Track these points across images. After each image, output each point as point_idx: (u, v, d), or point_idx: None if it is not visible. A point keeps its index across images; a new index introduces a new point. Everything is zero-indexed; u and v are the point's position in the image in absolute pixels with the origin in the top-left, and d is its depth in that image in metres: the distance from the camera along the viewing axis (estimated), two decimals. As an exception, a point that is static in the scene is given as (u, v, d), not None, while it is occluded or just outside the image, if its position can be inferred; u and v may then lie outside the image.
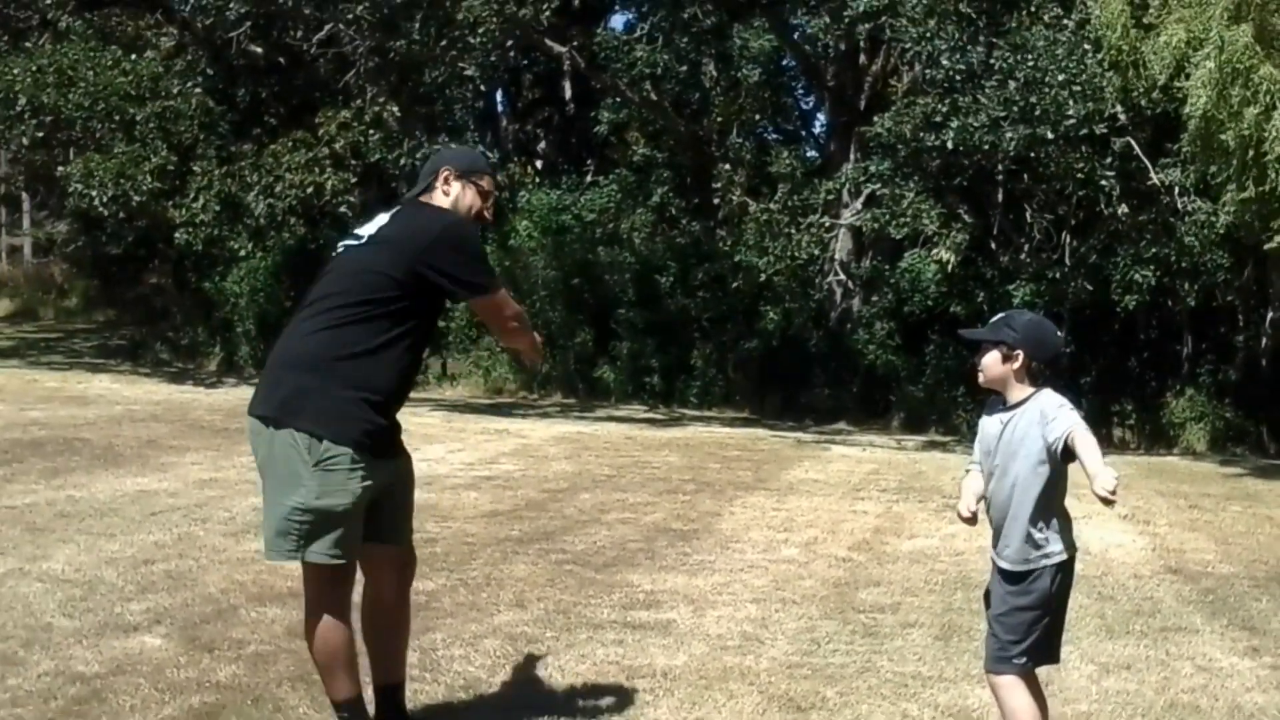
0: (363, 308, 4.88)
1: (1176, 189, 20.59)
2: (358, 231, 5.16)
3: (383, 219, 5.13)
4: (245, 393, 20.45)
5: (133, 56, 23.96)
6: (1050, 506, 4.74)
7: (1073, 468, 4.73)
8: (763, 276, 23.63)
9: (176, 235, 23.69)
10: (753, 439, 18.93)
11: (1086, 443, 4.55)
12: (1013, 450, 4.74)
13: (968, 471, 5.02)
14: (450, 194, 5.16)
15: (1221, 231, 19.70)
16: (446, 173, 5.19)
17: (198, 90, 24.40)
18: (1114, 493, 4.34)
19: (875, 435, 21.41)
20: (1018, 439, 4.73)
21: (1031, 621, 4.74)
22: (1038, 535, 4.72)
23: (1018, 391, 4.78)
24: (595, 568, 8.81)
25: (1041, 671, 5.02)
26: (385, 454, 4.96)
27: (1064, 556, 4.75)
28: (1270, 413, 23.02)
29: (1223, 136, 15.52)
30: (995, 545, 4.84)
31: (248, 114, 26.16)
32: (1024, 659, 4.76)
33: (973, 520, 4.87)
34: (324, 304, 4.95)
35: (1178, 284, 22.11)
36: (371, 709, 5.17)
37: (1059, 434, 4.59)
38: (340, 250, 5.14)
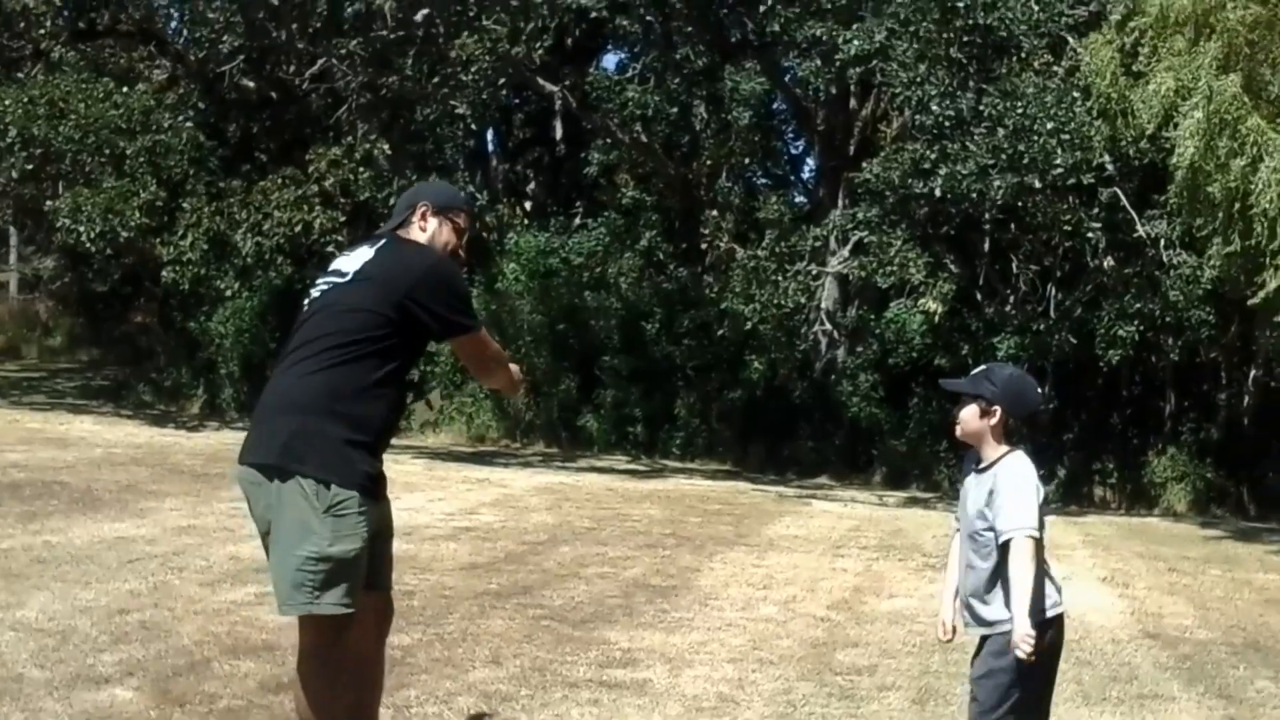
0: (354, 347, 4.83)
1: (1162, 241, 20.66)
2: (339, 268, 5.08)
3: (365, 254, 5.05)
4: (226, 436, 20.54)
5: (124, 89, 23.86)
6: (1002, 575, 4.69)
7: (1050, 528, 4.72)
8: (749, 324, 23.63)
9: (164, 273, 23.58)
10: (734, 492, 18.90)
11: (1016, 567, 4.53)
12: (972, 517, 4.74)
13: (952, 538, 5.00)
14: (427, 230, 5.13)
15: (1207, 286, 19.75)
16: (424, 208, 5.16)
17: (189, 124, 24.31)
18: (1026, 651, 4.39)
19: (857, 490, 21.41)
20: (976, 507, 4.73)
21: (1007, 686, 4.69)
22: (1000, 604, 4.69)
23: (992, 450, 4.76)
24: (573, 624, 8.77)
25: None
26: (380, 497, 4.94)
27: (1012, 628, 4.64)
28: (1252, 473, 23.04)
29: (1210, 188, 15.56)
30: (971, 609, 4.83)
31: (238, 149, 26.14)
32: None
33: (950, 638, 4.85)
34: (315, 345, 4.88)
35: (1162, 339, 22.18)
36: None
37: (1000, 531, 4.60)
38: (323, 288, 5.06)
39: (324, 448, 4.76)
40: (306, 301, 5.12)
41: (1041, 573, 4.72)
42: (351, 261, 5.05)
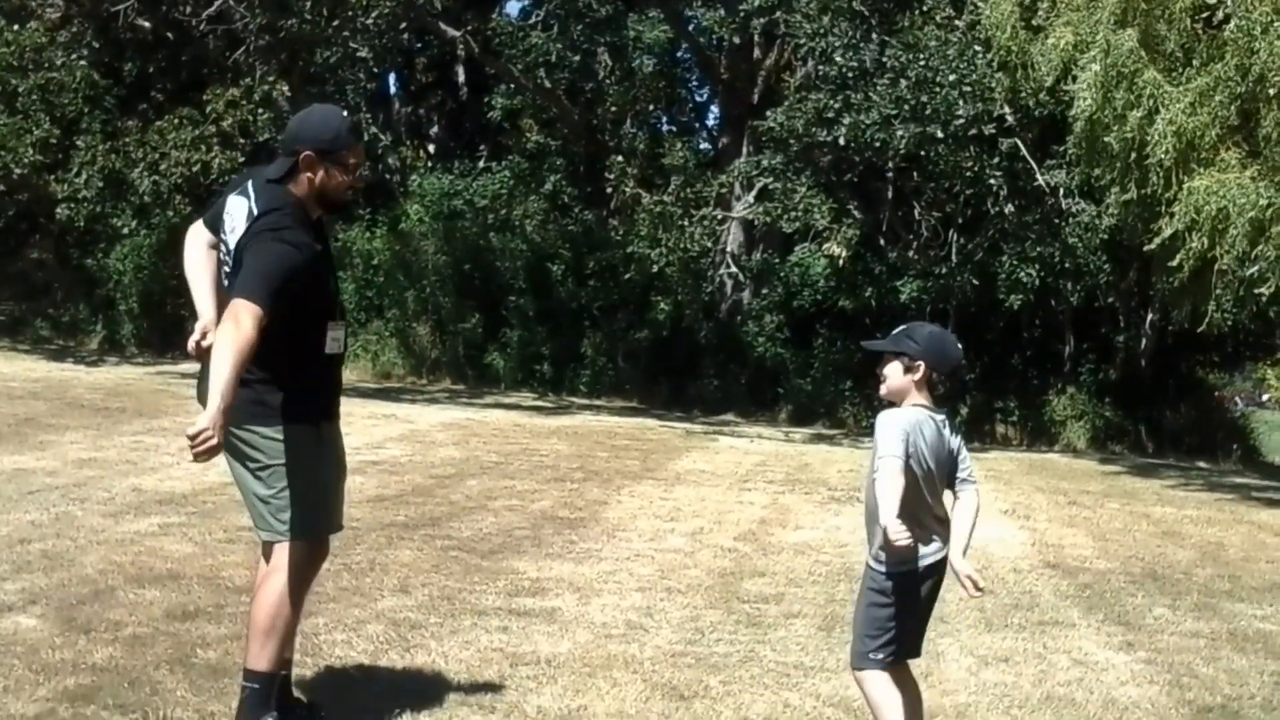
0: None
1: (1061, 190, 20.96)
2: (227, 240, 4.93)
3: (239, 225, 4.89)
4: (127, 371, 20.31)
5: (15, 26, 23.39)
6: (870, 507, 4.81)
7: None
8: (655, 268, 23.67)
9: (58, 210, 23.21)
10: (641, 429, 18.96)
11: (881, 488, 4.62)
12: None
13: None
14: (316, 179, 4.94)
15: (1104, 234, 20.06)
16: (307, 156, 4.91)
17: (83, 63, 23.89)
18: (899, 542, 4.47)
19: (763, 427, 21.55)
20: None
21: (877, 618, 4.79)
22: (879, 540, 4.77)
23: (912, 402, 4.83)
24: (481, 554, 8.77)
25: (920, 663, 5.07)
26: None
27: (898, 569, 4.77)
28: (1149, 412, 23.53)
29: (1107, 139, 15.77)
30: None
31: (134, 89, 25.71)
32: (880, 655, 4.80)
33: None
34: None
35: (1061, 284, 22.51)
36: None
37: (871, 463, 4.74)
38: (224, 256, 4.97)
39: (253, 396, 4.85)
40: (223, 251, 4.98)
41: (920, 520, 4.77)
42: (235, 233, 4.90)
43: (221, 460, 4.79)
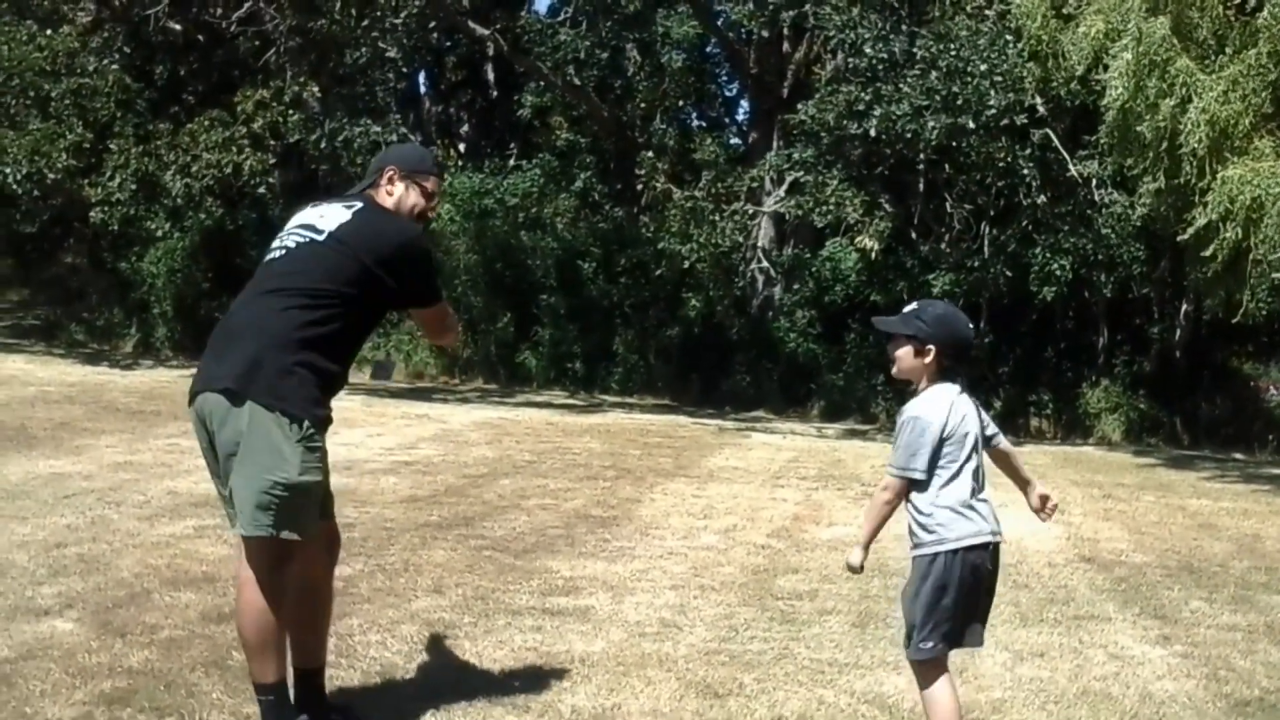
0: (324, 299, 4.87)
1: (1094, 181, 20.87)
2: (312, 223, 5.06)
3: (340, 215, 5.04)
4: (161, 375, 20.38)
5: (48, 31, 23.56)
6: (914, 500, 4.78)
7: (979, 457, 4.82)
8: (686, 263, 23.68)
9: (92, 214, 23.36)
10: (673, 426, 18.95)
11: (873, 502, 4.81)
12: None
13: None
14: (394, 194, 5.19)
15: (1137, 223, 19.96)
16: (391, 172, 5.21)
17: (115, 67, 24.06)
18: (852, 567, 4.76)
19: (795, 423, 21.51)
20: None
21: (920, 607, 4.76)
22: (913, 525, 4.78)
23: (924, 386, 4.81)
24: (514, 554, 8.77)
25: (956, 658, 5.04)
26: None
27: (939, 549, 4.74)
28: (1184, 404, 23.39)
29: (1139, 128, 15.69)
30: None
31: (165, 92, 25.85)
32: (928, 643, 4.77)
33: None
34: (289, 288, 4.91)
35: (1094, 275, 22.42)
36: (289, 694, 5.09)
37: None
38: (298, 239, 5.04)
39: (294, 381, 4.80)
40: (277, 245, 5.10)
41: (951, 504, 4.75)
42: (326, 220, 5.04)
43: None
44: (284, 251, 5.03)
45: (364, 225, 5.01)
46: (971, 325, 5.06)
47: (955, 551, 4.73)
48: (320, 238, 4.99)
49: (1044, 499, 4.95)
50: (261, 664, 4.90)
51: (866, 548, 4.81)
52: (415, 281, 5.10)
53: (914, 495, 4.77)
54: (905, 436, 4.74)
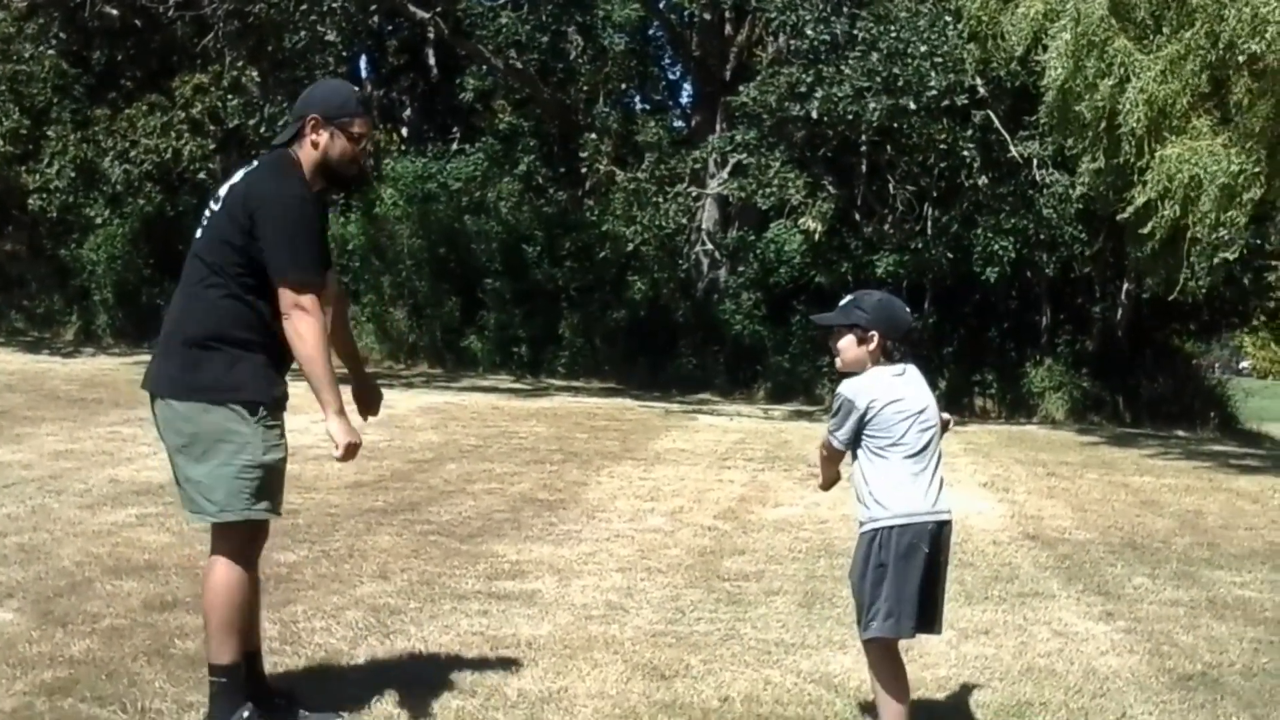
0: (220, 269, 4.77)
1: (1035, 161, 20.96)
2: (219, 194, 4.95)
3: (236, 176, 4.95)
4: (103, 362, 20.20)
5: (-18, 17, 23.31)
6: (862, 480, 4.82)
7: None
8: (630, 246, 23.67)
9: (30, 201, 23.12)
10: (620, 409, 18.95)
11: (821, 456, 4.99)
12: None
13: None
14: (320, 143, 4.90)
15: (1078, 203, 20.08)
16: (313, 120, 4.89)
17: (51, 52, 23.81)
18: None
19: (742, 405, 21.56)
20: None
21: (867, 587, 4.78)
22: (859, 507, 4.83)
23: (873, 369, 4.84)
24: (460, 538, 8.75)
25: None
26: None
27: (875, 525, 4.78)
28: (1126, 382, 23.57)
29: (1078, 108, 15.78)
30: None
31: (103, 77, 25.60)
32: (875, 622, 4.78)
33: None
34: (194, 261, 4.84)
35: (1037, 255, 22.54)
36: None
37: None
38: (206, 215, 4.94)
39: (212, 369, 4.77)
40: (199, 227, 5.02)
41: (892, 481, 4.78)
42: (225, 186, 4.95)
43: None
44: (200, 230, 4.95)
45: (244, 183, 4.86)
46: (909, 309, 5.09)
47: (890, 528, 4.76)
48: (217, 206, 4.89)
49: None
50: (222, 644, 4.86)
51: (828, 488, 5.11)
52: (266, 241, 4.70)
53: (861, 465, 4.82)
54: (834, 410, 4.86)
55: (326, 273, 5.02)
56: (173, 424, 4.86)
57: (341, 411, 4.76)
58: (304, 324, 4.71)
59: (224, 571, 4.87)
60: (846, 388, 4.80)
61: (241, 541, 4.89)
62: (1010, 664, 6.30)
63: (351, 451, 4.74)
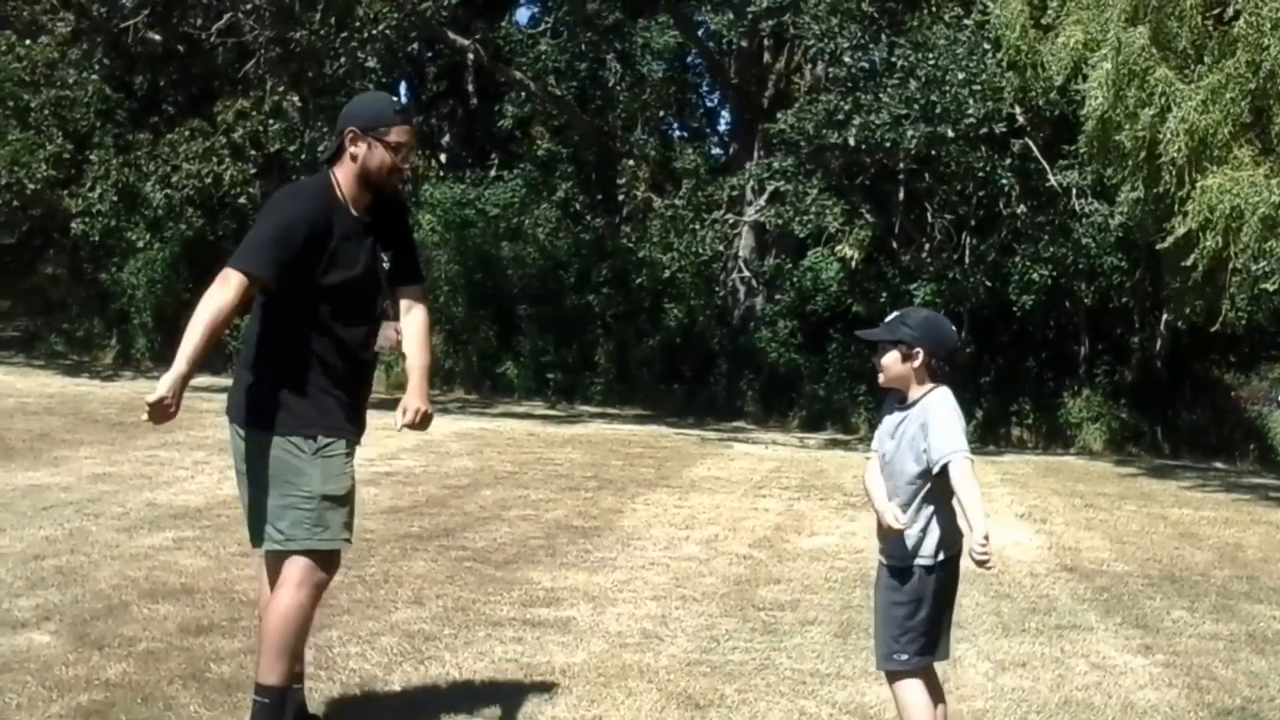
0: (263, 301, 4.89)
1: (1074, 190, 20.90)
2: None
3: None
4: (141, 386, 20.28)
5: (27, 42, 23.51)
6: (925, 509, 4.74)
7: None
8: (666, 273, 23.69)
9: (72, 225, 23.32)
10: (655, 436, 18.94)
11: (966, 485, 4.59)
12: (902, 450, 4.76)
13: (868, 461, 5.02)
14: (358, 156, 4.90)
15: (1117, 233, 20.00)
16: (351, 133, 4.90)
17: (94, 77, 24.03)
18: (985, 557, 4.44)
19: (777, 434, 21.50)
20: (908, 439, 4.74)
21: (905, 617, 4.75)
22: (913, 535, 4.73)
23: (916, 390, 4.78)
24: (495, 565, 8.74)
25: (939, 668, 5.03)
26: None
27: (936, 559, 4.74)
28: (1164, 413, 23.44)
29: (1118, 137, 15.73)
30: (881, 541, 4.85)
31: (145, 102, 25.82)
32: (904, 655, 4.76)
33: (903, 529, 4.83)
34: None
35: (1075, 284, 22.46)
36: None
37: (937, 458, 4.63)
38: None
39: (258, 397, 4.88)
40: None
41: (949, 511, 4.76)
42: None
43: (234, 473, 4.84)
44: None
45: None
46: (955, 328, 5.05)
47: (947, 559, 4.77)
48: None
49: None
50: (276, 665, 4.87)
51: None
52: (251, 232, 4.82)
53: (937, 493, 4.73)
54: (957, 421, 4.71)
55: (380, 297, 5.08)
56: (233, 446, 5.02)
57: (177, 375, 4.50)
58: (211, 290, 4.67)
59: (290, 593, 4.88)
60: (950, 400, 4.74)
61: (313, 568, 4.93)
62: (1048, 697, 6.26)
63: (157, 412, 4.46)
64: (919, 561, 4.73)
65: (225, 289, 4.64)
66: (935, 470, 4.63)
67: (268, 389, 4.86)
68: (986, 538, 4.45)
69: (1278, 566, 10.41)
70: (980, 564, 4.48)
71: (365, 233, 4.98)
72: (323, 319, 4.90)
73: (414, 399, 4.85)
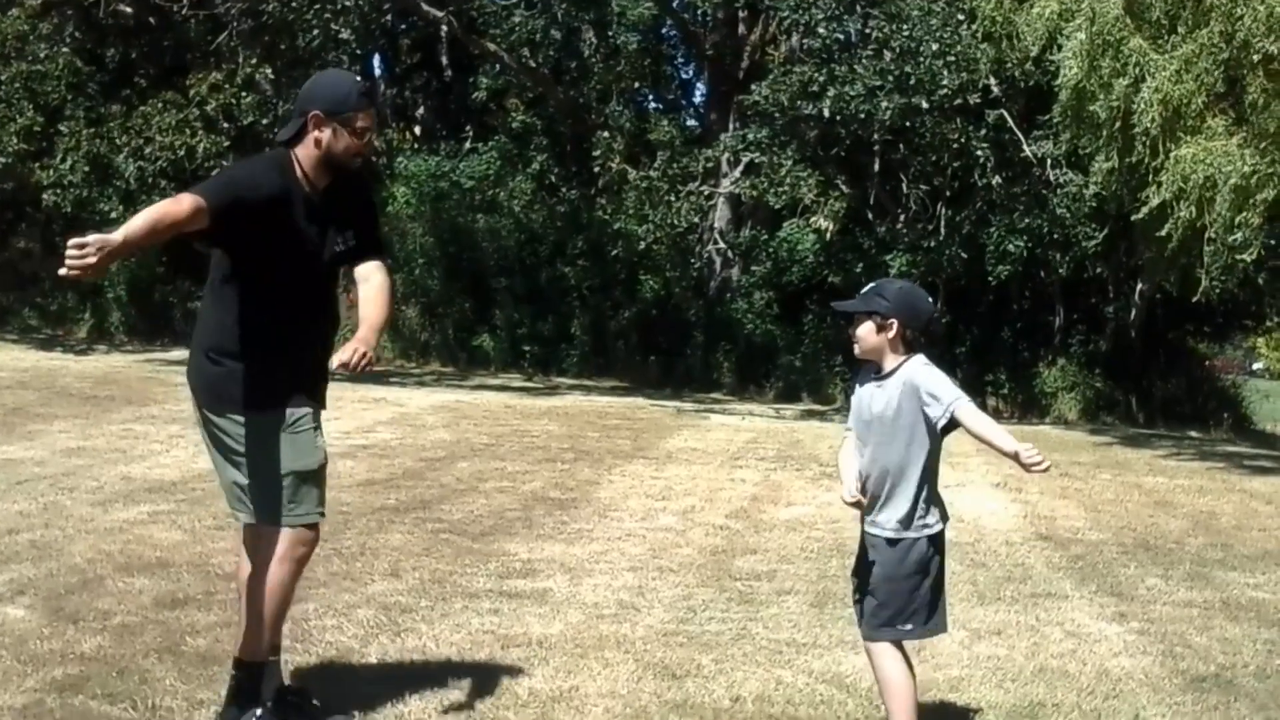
0: (214, 269, 4.89)
1: (1048, 161, 20.92)
2: None
3: None
4: (115, 359, 20.25)
5: (-3, 14, 23.37)
6: (929, 478, 4.78)
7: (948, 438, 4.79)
8: (642, 245, 23.67)
9: (44, 197, 23.17)
10: (632, 408, 18.94)
11: (980, 420, 4.65)
12: (891, 422, 4.76)
13: (844, 439, 5.02)
14: (322, 141, 4.81)
15: (1092, 203, 20.02)
16: (315, 116, 4.80)
17: (65, 50, 23.85)
18: (1038, 458, 4.44)
19: (753, 404, 21.53)
20: (894, 410, 4.75)
21: (912, 589, 4.76)
22: (920, 506, 4.76)
23: (891, 360, 4.79)
24: (472, 537, 8.74)
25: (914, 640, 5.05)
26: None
27: (940, 526, 4.82)
28: (1139, 382, 23.52)
29: (1093, 108, 15.74)
30: (872, 514, 4.84)
31: (117, 75, 25.62)
32: (910, 626, 4.78)
33: (859, 505, 4.85)
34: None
35: (1050, 255, 22.50)
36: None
37: (944, 409, 4.64)
38: None
39: (212, 378, 4.88)
40: None
41: (934, 485, 4.82)
42: None
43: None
44: None
45: None
46: (930, 299, 5.07)
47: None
48: None
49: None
50: (257, 640, 4.88)
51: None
52: None
53: (930, 458, 4.78)
54: (943, 375, 4.77)
55: (337, 273, 5.06)
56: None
57: (110, 236, 4.28)
58: (162, 201, 4.56)
59: (267, 569, 4.86)
60: (929, 369, 4.77)
61: (295, 542, 4.91)
62: (1023, 665, 6.28)
63: (74, 252, 4.24)
64: (925, 532, 4.78)
65: (176, 204, 4.49)
66: (943, 423, 4.67)
67: (228, 370, 4.83)
68: (1030, 447, 4.47)
69: (1251, 534, 10.47)
70: (1036, 466, 4.45)
71: (324, 211, 4.91)
72: (279, 296, 4.84)
73: (356, 340, 4.71)
